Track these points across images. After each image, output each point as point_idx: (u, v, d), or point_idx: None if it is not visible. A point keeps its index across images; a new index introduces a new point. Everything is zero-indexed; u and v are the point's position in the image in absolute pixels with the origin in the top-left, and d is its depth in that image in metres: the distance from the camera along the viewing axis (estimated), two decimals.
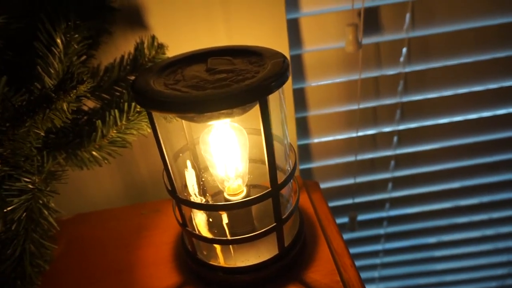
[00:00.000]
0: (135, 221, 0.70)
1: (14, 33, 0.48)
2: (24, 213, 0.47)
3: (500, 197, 0.96)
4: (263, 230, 0.48)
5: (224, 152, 0.50)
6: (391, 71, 0.75)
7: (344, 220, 0.94)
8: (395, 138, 0.83)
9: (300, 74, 0.73)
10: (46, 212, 0.49)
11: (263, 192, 0.45)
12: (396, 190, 0.92)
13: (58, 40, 0.45)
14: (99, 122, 0.50)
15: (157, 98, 0.39)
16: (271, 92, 0.39)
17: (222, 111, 0.41)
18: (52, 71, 0.45)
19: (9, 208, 0.45)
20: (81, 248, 0.66)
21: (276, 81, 0.39)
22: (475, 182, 0.93)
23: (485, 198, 0.97)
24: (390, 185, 0.91)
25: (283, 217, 0.49)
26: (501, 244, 1.07)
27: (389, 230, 1.00)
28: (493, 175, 0.93)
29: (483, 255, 1.09)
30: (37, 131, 0.45)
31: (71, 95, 0.41)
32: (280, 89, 0.47)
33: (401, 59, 0.74)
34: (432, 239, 1.04)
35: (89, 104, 0.56)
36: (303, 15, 0.68)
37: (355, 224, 0.93)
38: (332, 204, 0.92)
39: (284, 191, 0.56)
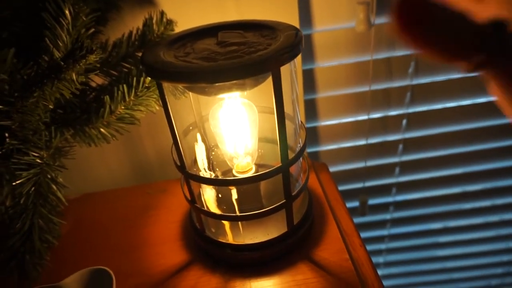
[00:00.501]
0: (141, 201, 0.70)
1: (22, 3, 0.48)
2: (33, 187, 0.47)
3: (504, 183, 0.96)
4: (273, 207, 0.47)
5: (234, 128, 0.50)
6: (403, 53, 0.73)
7: (350, 205, 0.93)
8: (404, 122, 0.82)
9: (309, 55, 0.72)
10: (54, 187, 0.49)
11: (274, 168, 0.45)
12: (404, 175, 0.91)
13: (67, 11, 0.45)
14: (107, 98, 0.50)
15: (168, 68, 0.38)
16: (283, 63, 0.38)
17: (234, 82, 0.40)
18: (60, 44, 0.44)
19: (17, 182, 0.45)
20: (87, 227, 0.66)
21: (289, 52, 0.39)
22: (482, 167, 0.92)
23: (489, 184, 0.96)
24: (397, 169, 0.90)
25: (293, 194, 0.48)
26: (504, 231, 1.07)
27: (396, 215, 1.00)
28: (500, 161, 0.92)
29: (487, 241, 1.09)
30: (46, 103, 0.45)
31: (81, 64, 0.40)
32: (293, 65, 0.46)
33: None
34: (437, 225, 1.04)
35: (97, 80, 0.55)
36: None
37: (366, 209, 0.92)
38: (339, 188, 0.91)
39: (293, 170, 0.56)
